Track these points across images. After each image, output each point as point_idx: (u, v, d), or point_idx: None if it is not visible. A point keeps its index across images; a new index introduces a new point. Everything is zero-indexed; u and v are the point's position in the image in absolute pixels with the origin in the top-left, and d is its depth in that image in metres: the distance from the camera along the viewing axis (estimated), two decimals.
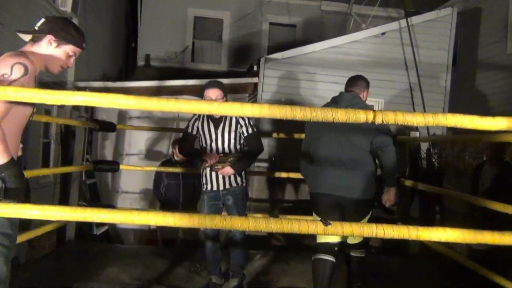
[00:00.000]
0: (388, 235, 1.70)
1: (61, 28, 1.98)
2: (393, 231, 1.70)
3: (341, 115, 1.73)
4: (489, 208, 3.12)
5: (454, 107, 7.83)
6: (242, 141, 3.54)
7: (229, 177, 3.45)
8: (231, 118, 3.50)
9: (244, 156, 3.50)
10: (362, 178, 3.15)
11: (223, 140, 3.49)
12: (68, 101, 1.74)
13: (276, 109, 1.73)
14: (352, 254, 3.46)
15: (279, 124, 7.26)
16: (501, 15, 8.99)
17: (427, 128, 6.84)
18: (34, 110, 2.00)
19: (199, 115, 3.52)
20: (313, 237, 3.61)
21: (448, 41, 7.73)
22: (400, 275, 4.25)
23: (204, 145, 3.53)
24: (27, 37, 1.98)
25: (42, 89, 1.72)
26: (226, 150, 3.48)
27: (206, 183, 3.51)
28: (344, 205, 3.13)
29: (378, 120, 1.73)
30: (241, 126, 3.50)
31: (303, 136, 3.55)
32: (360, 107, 3.10)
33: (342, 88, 3.57)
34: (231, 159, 3.40)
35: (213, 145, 3.50)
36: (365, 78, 3.81)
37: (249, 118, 3.55)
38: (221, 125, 3.48)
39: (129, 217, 1.78)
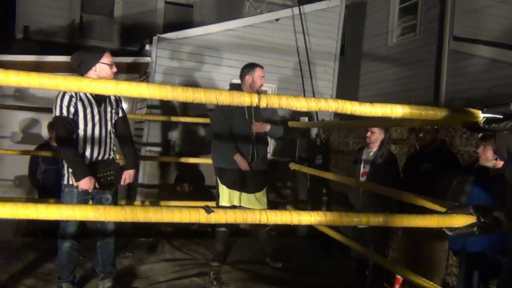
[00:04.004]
0: (271, 221, 1.68)
1: None
2: (276, 217, 1.68)
3: (225, 97, 1.65)
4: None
5: (342, 95, 8.26)
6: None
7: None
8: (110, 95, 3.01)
9: (134, 151, 3.27)
10: None
11: (106, 122, 3.01)
12: None
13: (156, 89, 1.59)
14: None
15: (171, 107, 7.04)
16: (383, 10, 9.66)
17: (316, 114, 7.12)
18: None
19: (75, 93, 2.85)
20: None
21: (336, 31, 8.09)
22: (290, 255, 4.39)
23: (83, 126, 2.92)
24: None
25: None
26: (108, 135, 3.05)
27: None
28: None
29: (263, 103, 1.68)
30: (118, 106, 3.13)
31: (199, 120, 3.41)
32: None
33: (236, 71, 3.53)
34: (114, 165, 3.10)
35: (96, 128, 2.95)
36: (245, 65, 3.82)
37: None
38: (103, 103, 3.01)
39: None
